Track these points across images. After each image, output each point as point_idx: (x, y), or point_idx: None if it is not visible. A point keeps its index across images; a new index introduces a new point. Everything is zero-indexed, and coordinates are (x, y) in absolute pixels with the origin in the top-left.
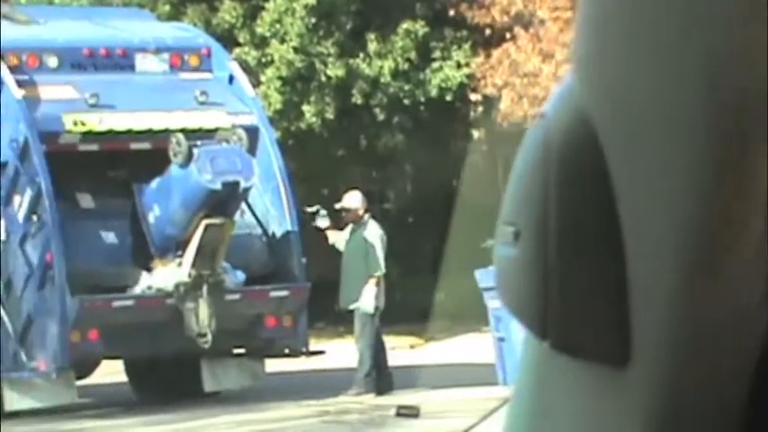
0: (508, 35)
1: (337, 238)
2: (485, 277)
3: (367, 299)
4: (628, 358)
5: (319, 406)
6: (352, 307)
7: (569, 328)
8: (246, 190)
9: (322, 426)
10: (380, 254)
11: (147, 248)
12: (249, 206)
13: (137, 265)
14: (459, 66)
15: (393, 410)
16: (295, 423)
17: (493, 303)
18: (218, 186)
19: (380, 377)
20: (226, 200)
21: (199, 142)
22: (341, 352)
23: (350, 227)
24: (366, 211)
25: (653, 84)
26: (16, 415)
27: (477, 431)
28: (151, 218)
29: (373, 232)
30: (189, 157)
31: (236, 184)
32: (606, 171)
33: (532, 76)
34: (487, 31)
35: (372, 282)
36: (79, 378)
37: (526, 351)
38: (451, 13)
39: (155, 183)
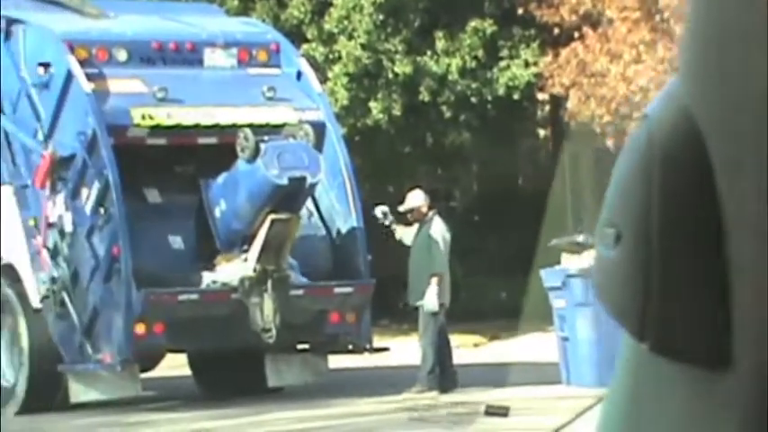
0: (576, 34)
1: (404, 234)
2: (550, 276)
3: (430, 296)
4: (728, 362)
5: (385, 403)
6: (419, 304)
7: (669, 331)
8: (313, 185)
9: (408, 423)
10: (444, 251)
11: (213, 243)
12: (315, 202)
13: (202, 260)
14: (526, 64)
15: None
16: (359, 420)
17: (557, 303)
18: (284, 181)
19: (444, 375)
20: (292, 195)
21: (266, 138)
22: (405, 349)
23: (416, 224)
24: (430, 208)
25: (761, 84)
26: (81, 406)
27: (568, 430)
28: (217, 212)
29: (437, 229)
30: (256, 152)
31: (303, 179)
32: (710, 171)
33: (600, 76)
34: (556, 31)
35: (435, 280)
36: (143, 371)
37: (623, 353)
38: (520, 11)
39: (221, 178)
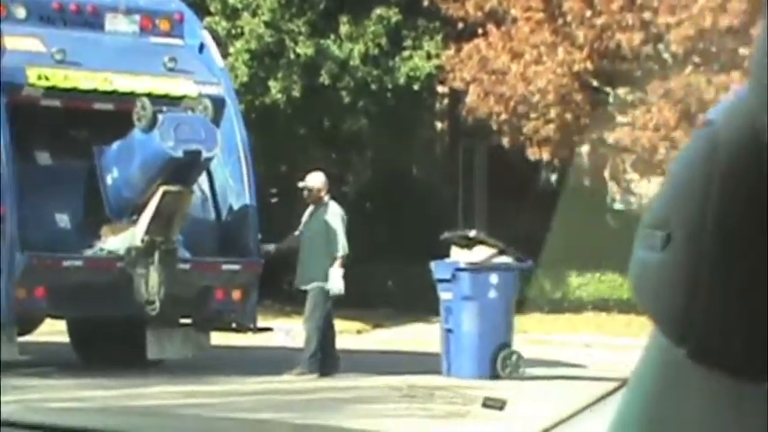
0: (480, 31)
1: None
2: (439, 269)
3: (335, 279)
4: (766, 375)
5: (266, 383)
6: (309, 287)
7: (712, 338)
8: (208, 160)
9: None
10: (343, 235)
11: (102, 210)
12: (210, 177)
13: (90, 227)
14: (429, 56)
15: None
16: (240, 399)
17: (445, 295)
18: (179, 154)
19: (326, 359)
20: (186, 168)
21: (164, 108)
22: (285, 331)
23: (310, 208)
24: (327, 192)
25: None
26: None
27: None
28: (109, 180)
29: (336, 213)
30: (153, 123)
31: (198, 153)
32: None
33: (500, 74)
34: (460, 25)
35: (339, 262)
36: (21, 334)
37: (650, 355)
38: (426, 3)
39: (115, 145)
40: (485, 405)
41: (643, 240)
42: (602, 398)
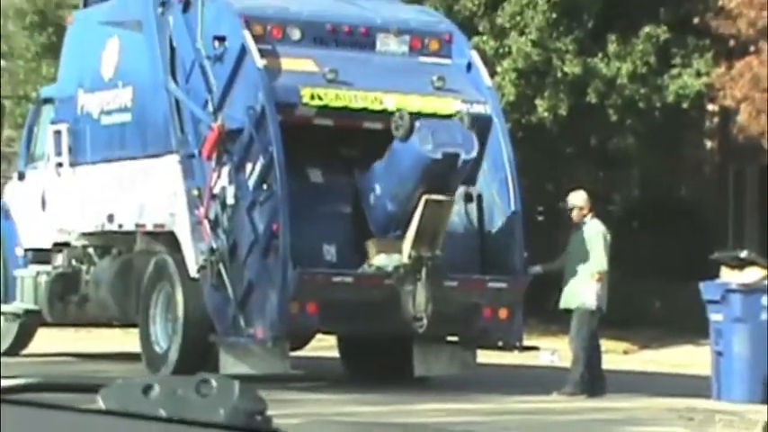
0: (752, 48)
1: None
2: (709, 290)
3: (589, 294)
4: None
5: (533, 402)
6: (574, 307)
7: None
8: (466, 163)
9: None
10: (603, 251)
11: (368, 227)
12: (478, 196)
13: (358, 243)
14: (698, 74)
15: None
16: (507, 418)
17: (715, 317)
18: (438, 155)
19: (593, 379)
20: (446, 172)
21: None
22: (551, 350)
23: (574, 226)
24: (590, 210)
25: None
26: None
27: None
28: (371, 198)
29: (596, 230)
30: (410, 131)
31: (457, 155)
32: None
33: None
34: (731, 42)
35: (595, 279)
36: (293, 349)
37: None
38: (695, 20)
39: (377, 162)
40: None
41: None
42: None
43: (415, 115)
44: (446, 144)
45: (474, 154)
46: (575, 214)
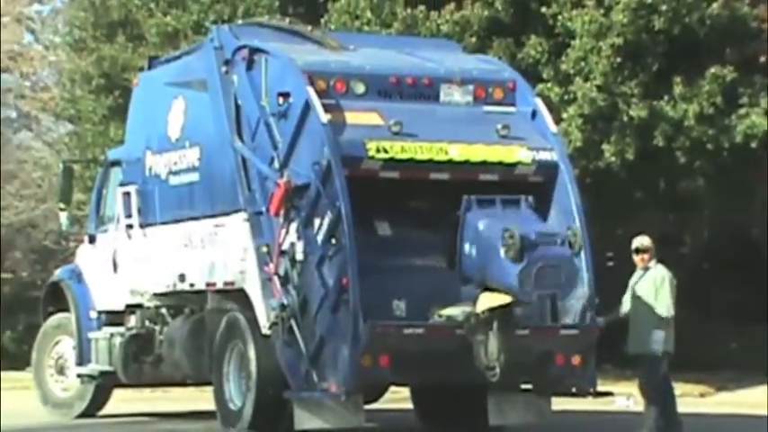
0: None
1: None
2: None
3: (656, 341)
4: None
5: None
6: (641, 351)
7: None
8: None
9: None
10: (670, 296)
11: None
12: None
13: (428, 295)
14: (766, 113)
15: None
16: None
17: None
18: (532, 298)
19: (670, 423)
20: None
21: (534, 235)
22: (626, 395)
23: (638, 272)
24: (654, 255)
25: None
26: None
27: None
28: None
29: (661, 275)
30: (520, 256)
31: (552, 295)
32: None
33: None
34: None
35: (662, 324)
36: (367, 402)
37: None
38: (762, 59)
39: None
40: None
41: None
42: None
43: (488, 166)
44: (546, 287)
45: (571, 295)
46: (638, 259)
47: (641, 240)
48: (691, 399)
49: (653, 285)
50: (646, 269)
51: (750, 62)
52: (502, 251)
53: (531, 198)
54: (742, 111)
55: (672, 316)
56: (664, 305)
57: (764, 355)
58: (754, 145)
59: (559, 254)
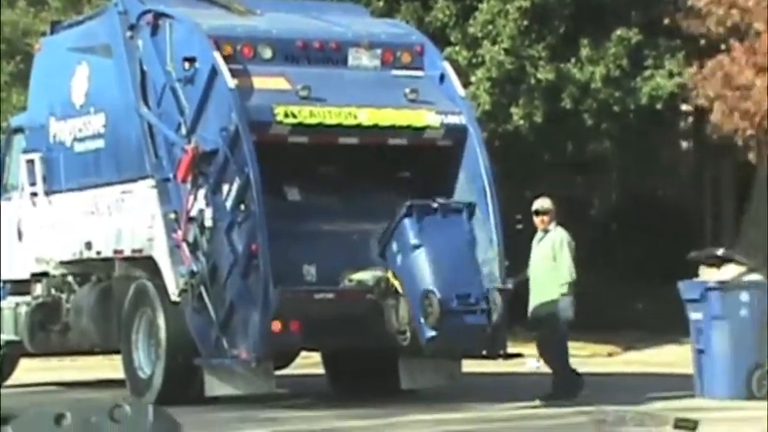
0: (723, 46)
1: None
2: (688, 289)
3: (563, 309)
4: None
5: (520, 409)
6: (541, 315)
7: None
8: None
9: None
10: (569, 258)
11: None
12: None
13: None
14: (671, 75)
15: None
16: (495, 426)
17: (694, 315)
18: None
19: (571, 382)
20: None
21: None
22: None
23: (538, 234)
24: (554, 217)
25: None
26: (215, 400)
27: None
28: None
29: (560, 237)
30: (439, 324)
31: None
32: None
33: (745, 90)
34: (702, 42)
35: (564, 290)
36: (278, 368)
37: None
38: (666, 21)
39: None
40: (676, 426)
41: None
42: None
43: (397, 130)
44: (451, 350)
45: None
46: (538, 221)
47: (541, 202)
48: (599, 359)
49: (551, 248)
50: (545, 231)
51: (655, 24)
52: (420, 315)
53: (474, 206)
54: (647, 73)
55: (575, 279)
56: (566, 268)
57: (671, 316)
58: (659, 107)
59: (475, 323)
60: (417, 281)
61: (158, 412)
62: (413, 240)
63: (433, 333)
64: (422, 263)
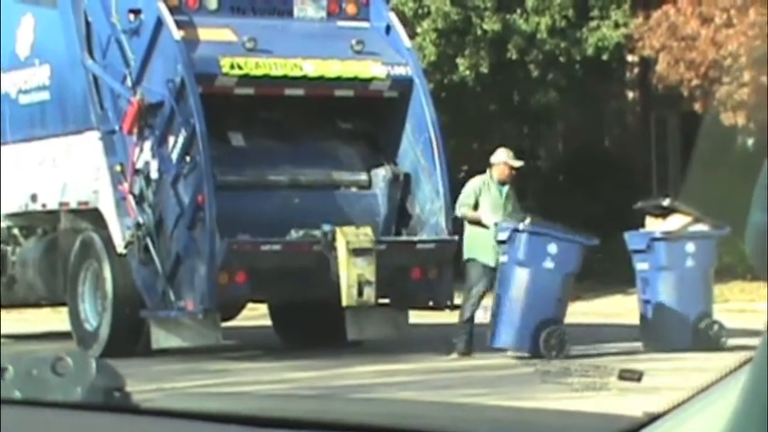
0: None
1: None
2: (634, 239)
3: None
4: None
5: (463, 361)
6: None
7: None
8: None
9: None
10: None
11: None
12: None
13: (285, 210)
14: (616, 26)
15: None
16: (442, 376)
17: (640, 266)
18: None
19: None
20: None
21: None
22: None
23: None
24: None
25: None
26: (162, 353)
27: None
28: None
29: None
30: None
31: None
32: None
33: (690, 40)
34: None
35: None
36: (225, 320)
37: None
38: None
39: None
40: (621, 377)
41: (759, 204)
42: (734, 371)
43: (343, 81)
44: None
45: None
46: (501, 171)
47: (503, 153)
48: None
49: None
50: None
51: None
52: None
53: None
54: (593, 23)
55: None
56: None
57: (619, 266)
58: (605, 57)
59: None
60: None
61: (101, 365)
62: None
63: None
64: None
